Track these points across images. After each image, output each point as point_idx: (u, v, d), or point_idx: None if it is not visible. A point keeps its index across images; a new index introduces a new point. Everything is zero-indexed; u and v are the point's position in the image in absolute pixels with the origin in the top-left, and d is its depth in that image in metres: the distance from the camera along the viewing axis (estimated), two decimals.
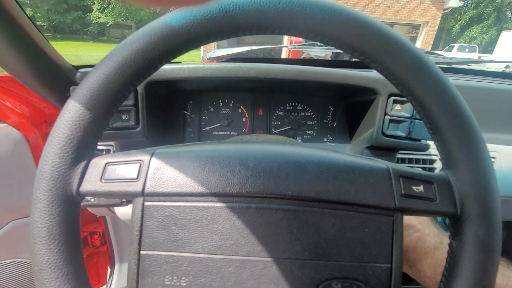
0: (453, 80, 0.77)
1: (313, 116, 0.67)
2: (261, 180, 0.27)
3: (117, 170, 0.28)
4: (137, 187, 0.27)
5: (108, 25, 18.99)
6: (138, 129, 0.48)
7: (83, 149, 0.27)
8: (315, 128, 0.67)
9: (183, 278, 0.27)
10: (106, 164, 0.28)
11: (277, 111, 0.66)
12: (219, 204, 0.27)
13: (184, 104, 0.64)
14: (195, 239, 0.27)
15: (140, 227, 0.27)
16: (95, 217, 0.91)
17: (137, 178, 0.27)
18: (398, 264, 0.28)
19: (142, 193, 0.27)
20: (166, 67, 0.48)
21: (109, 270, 1.02)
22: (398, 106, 0.51)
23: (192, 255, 0.27)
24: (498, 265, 0.27)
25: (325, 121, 0.67)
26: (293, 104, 0.67)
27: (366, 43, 0.25)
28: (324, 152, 0.31)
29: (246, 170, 0.28)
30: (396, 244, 0.28)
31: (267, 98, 0.66)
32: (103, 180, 0.27)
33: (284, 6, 0.24)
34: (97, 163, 0.28)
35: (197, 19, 0.24)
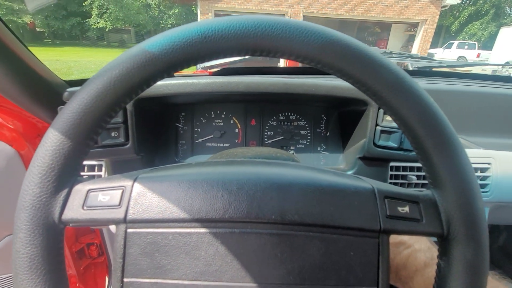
0: (448, 85, 0.77)
1: (306, 125, 0.67)
2: (244, 204, 0.27)
3: (100, 197, 0.28)
4: (119, 214, 0.27)
5: (107, 30, 19.07)
6: (128, 146, 0.48)
7: (64, 177, 0.27)
8: (308, 137, 0.67)
9: None
10: (88, 191, 0.28)
11: (270, 121, 0.66)
12: (202, 230, 0.27)
13: (176, 116, 0.64)
14: (178, 265, 0.27)
15: (123, 255, 0.27)
16: (92, 228, 0.91)
17: (119, 205, 0.27)
18: (385, 286, 0.28)
19: (125, 220, 0.27)
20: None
21: (107, 280, 1.02)
22: (388, 117, 0.51)
23: (176, 281, 0.27)
24: (486, 285, 0.27)
25: (318, 130, 0.67)
26: (286, 114, 0.66)
27: (347, 64, 0.25)
28: (308, 172, 0.31)
29: (229, 195, 0.27)
30: (382, 266, 0.28)
31: (259, 109, 0.66)
32: (85, 208, 0.27)
33: (263, 30, 0.24)
34: (79, 190, 0.28)
35: (176, 45, 0.24)
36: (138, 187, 0.28)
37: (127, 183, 0.28)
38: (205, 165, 0.32)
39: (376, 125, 0.51)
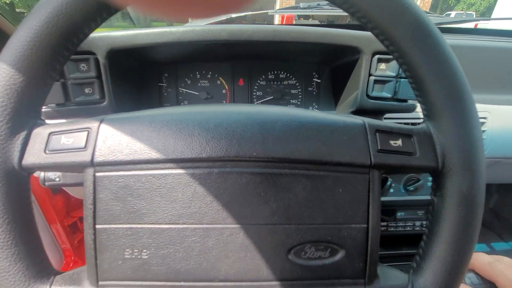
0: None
1: (297, 84, 0.64)
2: (223, 142, 0.25)
3: (63, 139, 0.25)
4: (85, 156, 0.25)
5: None
6: (104, 103, 0.45)
7: (20, 118, 0.24)
8: (299, 96, 0.64)
9: (144, 250, 0.25)
10: (50, 134, 0.25)
11: (259, 81, 0.63)
12: (178, 171, 0.25)
13: (158, 77, 0.60)
14: (154, 209, 0.25)
15: (94, 200, 0.25)
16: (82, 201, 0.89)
17: (85, 147, 0.25)
18: (376, 224, 0.26)
19: (92, 163, 0.25)
20: (128, 32, 0.43)
21: None
22: (383, 65, 0.48)
23: (152, 226, 0.25)
24: (481, 220, 0.26)
25: (309, 89, 0.64)
26: (275, 72, 0.63)
27: None
28: (293, 110, 0.28)
29: (206, 132, 0.25)
30: (373, 203, 0.26)
31: (247, 67, 0.62)
32: (47, 152, 0.25)
33: None
34: (40, 133, 0.25)
35: None
36: (105, 128, 0.25)
37: (93, 124, 0.26)
38: (179, 107, 0.29)
39: (370, 75, 0.48)
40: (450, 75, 0.25)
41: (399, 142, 0.26)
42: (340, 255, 0.26)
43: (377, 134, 0.26)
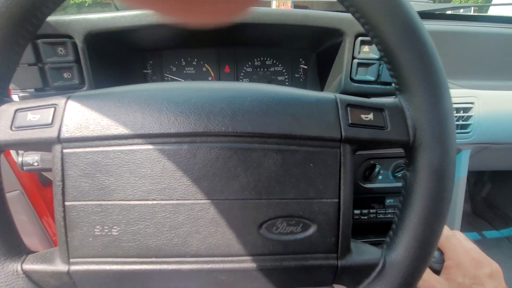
0: (429, 26, 0.73)
1: (283, 71, 0.63)
2: (192, 117, 0.25)
3: (29, 116, 0.25)
4: (52, 133, 0.24)
5: (86, 5, 17.89)
6: (84, 88, 0.44)
7: None
8: (286, 83, 0.63)
9: (115, 227, 0.25)
10: (16, 110, 0.25)
11: (245, 68, 0.62)
12: (146, 147, 0.25)
13: (143, 64, 0.59)
14: (123, 185, 0.25)
15: (62, 177, 0.25)
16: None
17: (51, 123, 0.24)
18: (348, 198, 0.26)
19: (59, 139, 0.24)
20: (106, 15, 0.43)
21: None
22: (366, 48, 0.47)
23: (122, 202, 0.25)
24: (452, 192, 0.26)
25: (296, 75, 0.63)
26: (262, 59, 0.62)
27: None
28: (264, 85, 0.28)
29: (175, 107, 0.25)
30: (344, 177, 0.26)
31: (233, 54, 0.61)
32: (13, 128, 0.24)
33: None
34: (5, 110, 0.25)
35: None
36: (72, 104, 0.25)
37: (60, 101, 0.25)
38: (147, 84, 0.29)
39: (353, 58, 0.48)
40: (420, 47, 0.24)
41: (370, 116, 0.26)
42: (312, 229, 0.26)
43: (348, 108, 0.26)
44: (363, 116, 0.26)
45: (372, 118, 0.26)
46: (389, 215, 0.73)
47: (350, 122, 0.26)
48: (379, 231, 0.80)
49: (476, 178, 1.32)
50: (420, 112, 0.25)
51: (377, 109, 0.26)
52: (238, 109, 0.25)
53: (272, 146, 0.25)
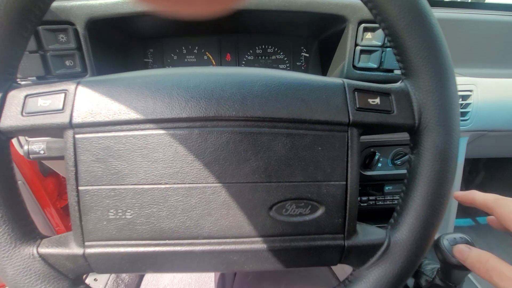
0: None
1: (285, 59, 0.63)
2: (202, 102, 0.25)
3: (40, 102, 0.25)
4: (63, 118, 0.24)
5: None
6: (87, 76, 0.44)
7: None
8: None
9: (128, 211, 0.25)
10: (26, 96, 0.25)
11: (246, 56, 0.62)
12: (158, 131, 0.25)
13: (143, 53, 0.59)
14: (136, 170, 0.25)
15: (75, 162, 0.25)
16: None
17: (62, 109, 0.25)
18: (354, 181, 0.27)
19: (70, 125, 0.24)
20: (108, 1, 0.42)
21: None
22: (369, 35, 0.47)
23: (135, 186, 0.25)
24: (455, 174, 0.27)
25: (298, 63, 0.63)
26: (263, 47, 0.62)
27: None
28: (273, 71, 0.28)
29: (185, 92, 0.25)
30: (351, 161, 0.27)
31: (234, 42, 0.61)
32: (24, 114, 0.24)
33: None
34: (15, 95, 0.25)
35: None
36: (82, 90, 0.25)
37: (70, 86, 0.25)
38: (157, 70, 0.29)
39: (356, 45, 0.48)
40: (428, 32, 0.25)
41: (377, 100, 0.26)
42: (320, 211, 0.27)
43: (356, 92, 0.26)
44: (370, 100, 0.26)
45: (379, 102, 0.26)
46: (388, 202, 0.75)
47: (357, 106, 0.26)
48: (379, 218, 0.82)
49: (471, 166, 1.35)
50: (426, 96, 0.26)
51: (384, 94, 0.27)
52: (248, 93, 0.25)
53: (281, 130, 0.26)
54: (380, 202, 0.75)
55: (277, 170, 0.26)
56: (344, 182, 0.27)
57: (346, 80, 0.27)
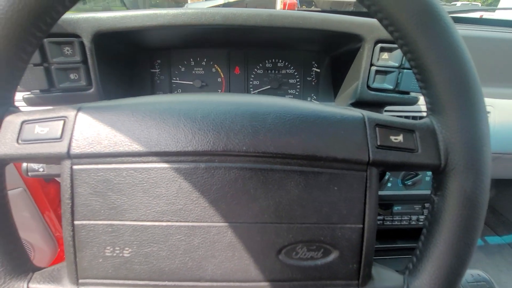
0: None
1: (295, 73, 0.61)
2: (211, 134, 0.23)
3: (37, 129, 0.23)
4: (61, 148, 0.23)
5: None
6: (91, 90, 0.43)
7: None
8: (298, 87, 0.61)
9: (126, 248, 0.24)
10: (23, 122, 0.23)
11: (256, 69, 0.60)
12: (161, 165, 0.23)
13: (150, 64, 0.57)
14: (136, 205, 0.23)
15: (71, 195, 0.23)
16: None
17: (60, 137, 0.23)
18: (372, 224, 0.25)
19: (68, 155, 0.23)
20: (116, 14, 0.41)
21: None
22: (385, 55, 0.45)
23: (134, 223, 0.23)
24: (483, 222, 0.24)
25: (308, 78, 0.61)
26: (273, 60, 0.60)
27: None
28: (287, 100, 0.26)
29: (192, 124, 0.23)
30: (369, 202, 0.25)
31: (243, 55, 0.59)
32: (20, 142, 0.23)
33: None
34: (12, 121, 0.23)
35: None
36: (83, 117, 0.23)
37: (70, 113, 0.24)
38: (164, 96, 0.27)
39: (371, 65, 0.46)
40: (459, 66, 0.23)
41: (400, 138, 0.24)
42: (333, 256, 0.25)
43: (377, 128, 0.24)
44: (392, 138, 0.24)
45: (402, 140, 0.24)
46: (396, 223, 0.73)
47: (378, 144, 0.24)
48: (385, 238, 0.79)
49: None
50: (454, 135, 0.23)
51: (408, 130, 0.25)
52: (260, 126, 0.23)
53: (294, 168, 0.24)
54: (388, 222, 0.73)
55: (288, 211, 0.24)
56: (361, 225, 0.25)
57: (366, 113, 0.25)
